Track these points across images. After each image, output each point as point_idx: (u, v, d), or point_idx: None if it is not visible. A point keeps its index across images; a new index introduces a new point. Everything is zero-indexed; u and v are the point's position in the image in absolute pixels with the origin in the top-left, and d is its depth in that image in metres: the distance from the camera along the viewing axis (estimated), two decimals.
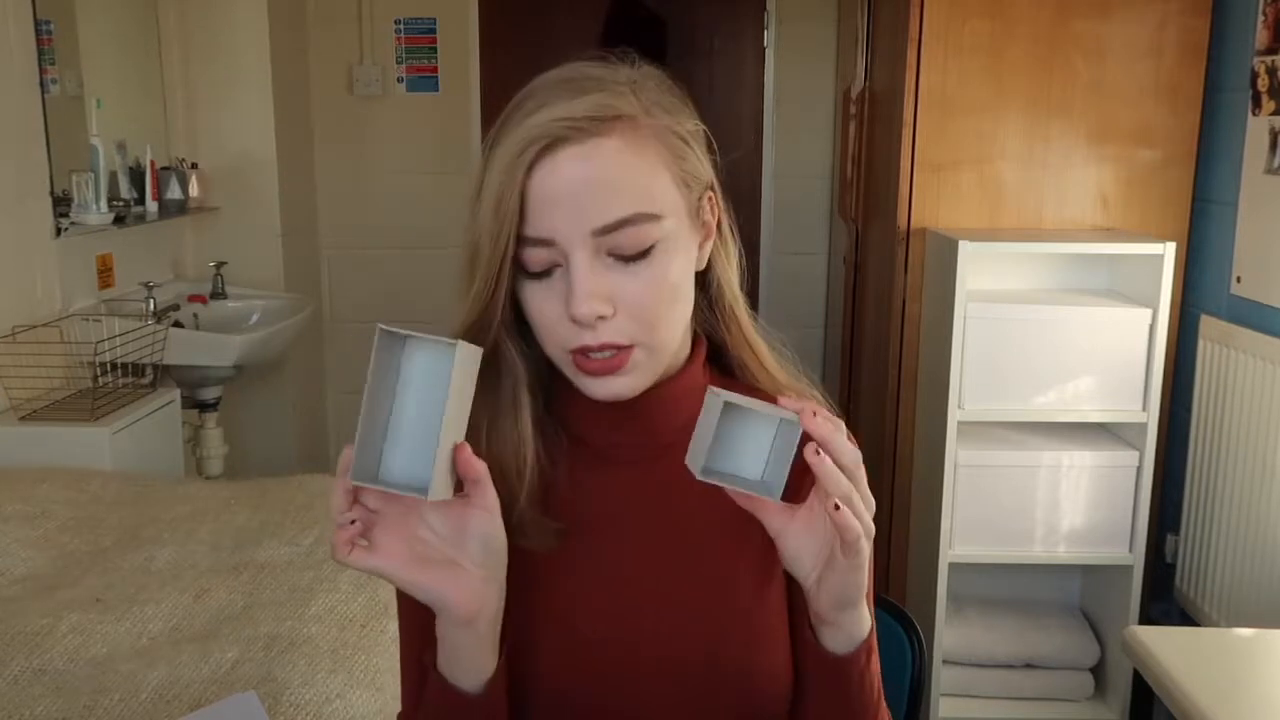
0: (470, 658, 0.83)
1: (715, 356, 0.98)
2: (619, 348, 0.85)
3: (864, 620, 0.86)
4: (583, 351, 0.85)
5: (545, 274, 0.84)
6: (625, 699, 0.90)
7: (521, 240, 0.83)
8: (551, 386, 0.93)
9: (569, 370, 0.88)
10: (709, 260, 0.93)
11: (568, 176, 0.82)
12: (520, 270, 0.85)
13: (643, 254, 0.84)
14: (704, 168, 0.90)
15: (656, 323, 0.86)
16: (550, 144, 0.81)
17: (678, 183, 0.87)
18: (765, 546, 0.91)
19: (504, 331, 0.88)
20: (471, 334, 0.87)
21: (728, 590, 0.92)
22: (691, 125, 0.89)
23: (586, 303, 0.82)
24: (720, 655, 0.91)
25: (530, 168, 0.82)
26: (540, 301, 0.85)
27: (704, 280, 0.94)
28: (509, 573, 0.89)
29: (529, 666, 0.89)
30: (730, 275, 0.95)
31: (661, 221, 0.84)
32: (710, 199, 0.91)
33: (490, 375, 0.87)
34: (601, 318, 0.83)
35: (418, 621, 0.93)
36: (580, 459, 0.93)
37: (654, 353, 0.87)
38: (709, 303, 0.95)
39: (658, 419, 0.93)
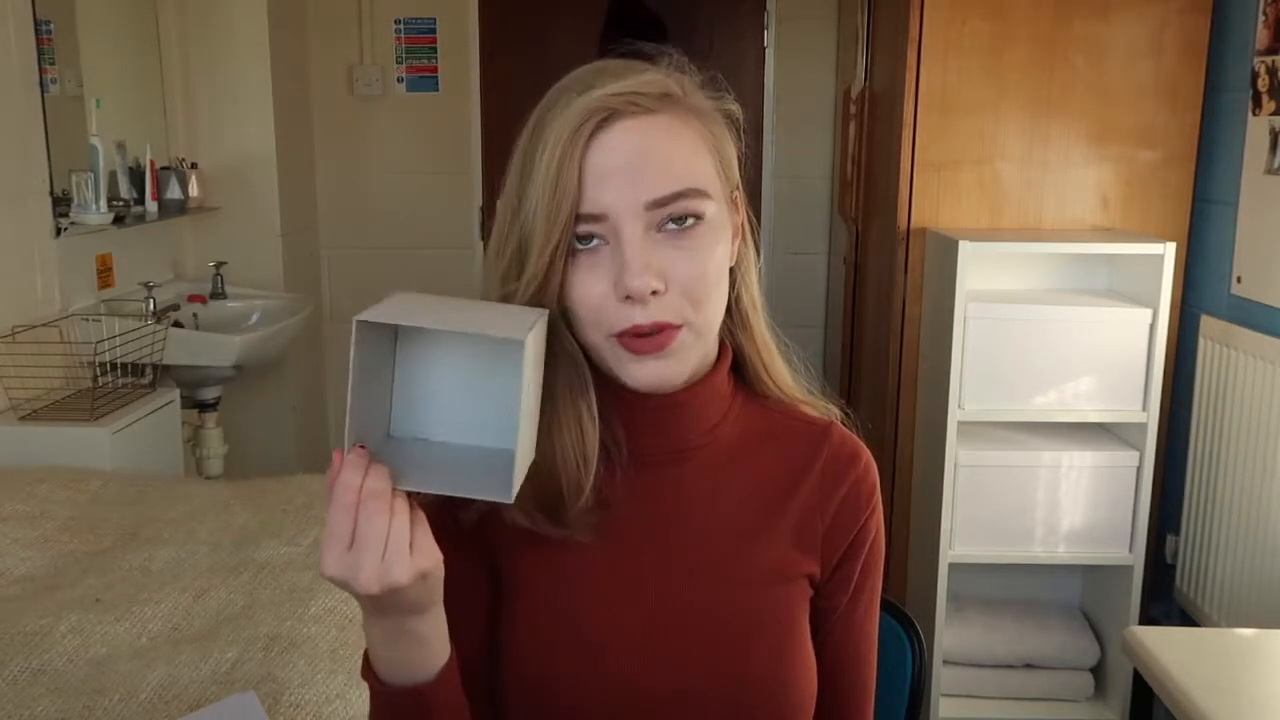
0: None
1: (734, 365, 0.97)
2: (670, 326, 0.84)
3: None
4: (632, 333, 0.83)
5: (591, 254, 0.83)
6: (652, 713, 0.89)
7: (574, 218, 0.82)
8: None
9: (611, 357, 0.86)
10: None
11: (624, 149, 0.82)
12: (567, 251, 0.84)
13: (691, 230, 0.84)
14: (735, 164, 0.90)
15: (704, 302, 0.85)
16: (606, 118, 0.81)
17: (717, 169, 0.87)
18: (785, 548, 0.91)
19: (559, 317, 0.86)
20: None
21: (751, 596, 0.91)
22: (728, 115, 0.90)
23: (641, 275, 0.81)
24: (747, 665, 0.89)
25: (587, 142, 0.81)
26: (587, 284, 0.83)
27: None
28: (533, 578, 0.89)
29: (547, 678, 0.88)
30: (750, 277, 0.94)
31: (709, 200, 0.85)
32: (737, 198, 0.91)
33: (549, 362, 0.85)
34: (655, 293, 0.82)
35: None
36: (608, 462, 0.92)
37: (699, 336, 0.87)
38: (728, 303, 0.94)
39: (688, 421, 0.92)
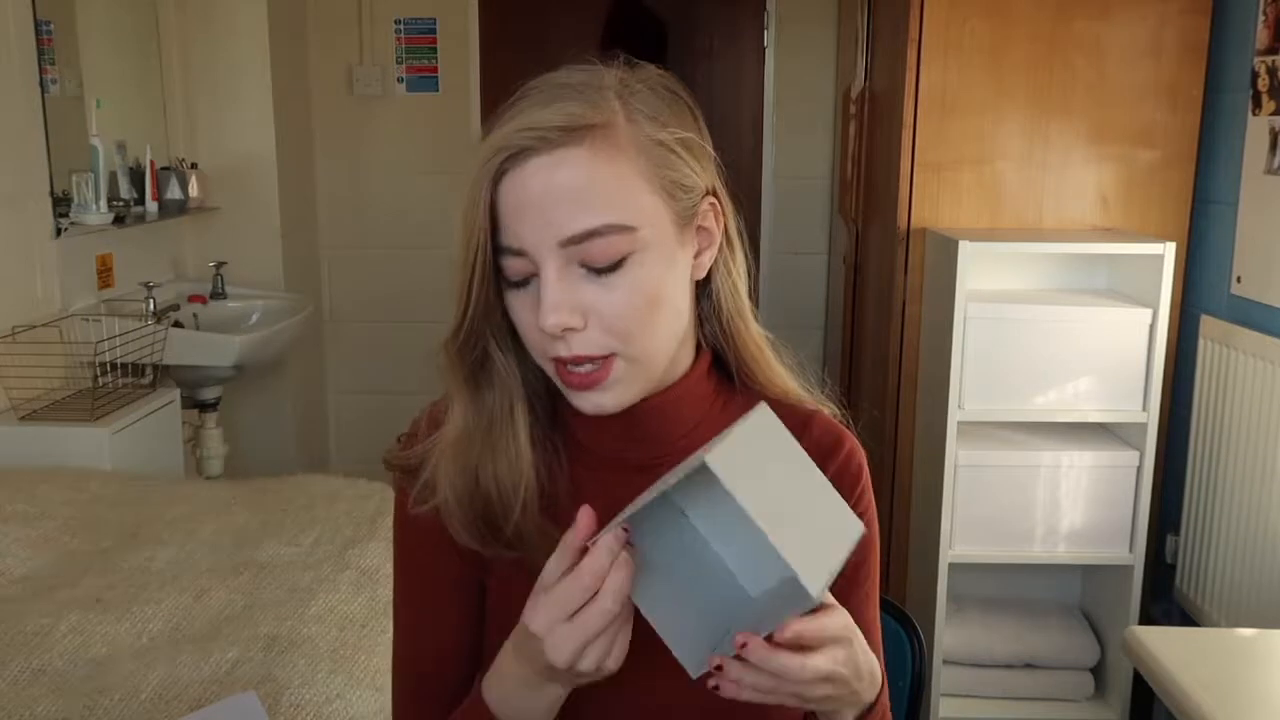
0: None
1: (723, 364, 0.96)
2: (594, 359, 0.84)
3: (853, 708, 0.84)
4: (560, 362, 0.84)
5: (525, 283, 0.84)
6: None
7: (500, 249, 0.83)
8: (557, 394, 0.91)
9: (557, 381, 0.87)
10: (709, 269, 0.91)
11: (533, 187, 0.81)
12: (504, 279, 0.85)
13: (615, 266, 0.82)
14: (699, 174, 0.87)
15: (634, 334, 0.84)
16: (517, 154, 0.81)
17: (659, 192, 0.84)
18: None
19: (494, 342, 0.87)
20: (461, 343, 0.87)
21: None
22: (682, 132, 0.86)
23: (553, 314, 0.81)
24: None
25: (499, 178, 0.81)
26: (521, 310, 0.85)
27: (703, 289, 0.92)
28: (511, 590, 0.89)
29: None
30: (732, 283, 0.93)
31: (635, 233, 0.82)
32: (713, 206, 0.89)
33: (482, 387, 0.88)
34: (571, 329, 0.82)
35: (414, 637, 0.96)
36: (586, 465, 0.93)
37: (637, 364, 0.86)
38: (709, 311, 0.93)
39: (658, 428, 0.92)
